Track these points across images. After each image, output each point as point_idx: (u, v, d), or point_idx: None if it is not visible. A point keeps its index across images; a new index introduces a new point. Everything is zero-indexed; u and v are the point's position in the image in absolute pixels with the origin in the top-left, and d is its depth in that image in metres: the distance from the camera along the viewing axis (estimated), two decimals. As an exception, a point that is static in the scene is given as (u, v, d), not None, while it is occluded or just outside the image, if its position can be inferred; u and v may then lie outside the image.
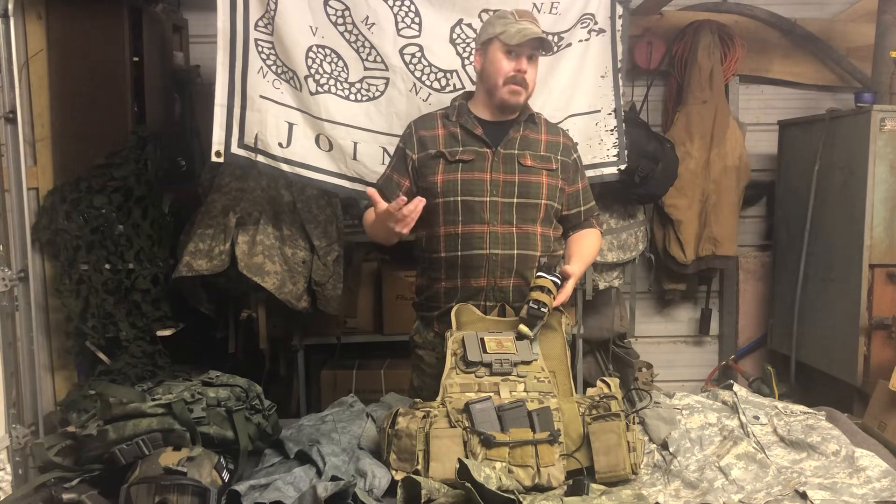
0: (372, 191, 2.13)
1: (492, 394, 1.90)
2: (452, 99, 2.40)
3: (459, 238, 2.24)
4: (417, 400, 1.97)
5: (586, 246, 2.34)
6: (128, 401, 1.87)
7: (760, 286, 4.35)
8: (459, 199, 2.23)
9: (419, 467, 1.80)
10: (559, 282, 2.09)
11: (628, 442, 1.87)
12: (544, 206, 2.26)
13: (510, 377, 1.94)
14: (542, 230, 2.27)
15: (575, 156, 2.36)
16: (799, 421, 2.13)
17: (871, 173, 3.36)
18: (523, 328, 2.03)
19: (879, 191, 3.37)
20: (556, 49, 2.90)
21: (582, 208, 2.38)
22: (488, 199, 2.22)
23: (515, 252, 2.23)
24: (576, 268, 2.17)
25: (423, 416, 1.86)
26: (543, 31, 2.23)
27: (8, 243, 2.84)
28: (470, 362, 1.96)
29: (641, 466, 1.92)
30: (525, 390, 1.93)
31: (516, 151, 2.25)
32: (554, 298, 2.07)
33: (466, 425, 1.83)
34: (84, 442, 1.86)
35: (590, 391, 2.02)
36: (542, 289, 2.05)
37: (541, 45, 2.23)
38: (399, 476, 1.78)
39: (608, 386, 2.01)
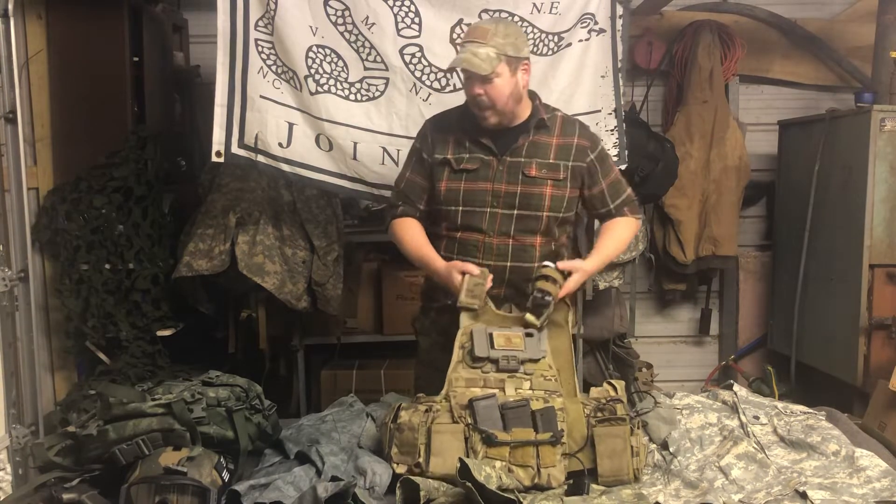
0: (466, 269, 2.09)
1: (496, 390, 1.90)
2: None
3: (457, 243, 2.25)
4: (420, 395, 1.98)
5: (611, 238, 2.29)
6: (128, 401, 1.87)
7: (760, 286, 4.35)
8: (460, 209, 2.23)
9: (420, 460, 1.80)
10: (565, 272, 2.08)
11: (632, 447, 1.87)
12: (546, 217, 2.22)
13: (516, 374, 1.94)
14: (542, 240, 2.25)
15: (592, 156, 2.26)
16: (799, 421, 2.13)
17: (871, 173, 3.35)
18: (530, 317, 2.02)
19: (879, 191, 3.36)
20: (555, 49, 2.91)
21: (612, 206, 2.30)
22: (489, 210, 2.21)
23: (508, 264, 2.22)
24: (586, 264, 2.16)
25: (426, 411, 1.86)
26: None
27: (8, 243, 2.83)
28: (477, 357, 1.95)
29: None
30: (531, 388, 1.92)
31: (522, 160, 2.21)
32: (560, 288, 2.06)
33: (469, 422, 1.83)
34: (84, 442, 1.86)
35: (595, 392, 2.02)
36: (546, 278, 2.04)
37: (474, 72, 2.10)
38: (401, 469, 1.79)
39: (614, 388, 2.01)
